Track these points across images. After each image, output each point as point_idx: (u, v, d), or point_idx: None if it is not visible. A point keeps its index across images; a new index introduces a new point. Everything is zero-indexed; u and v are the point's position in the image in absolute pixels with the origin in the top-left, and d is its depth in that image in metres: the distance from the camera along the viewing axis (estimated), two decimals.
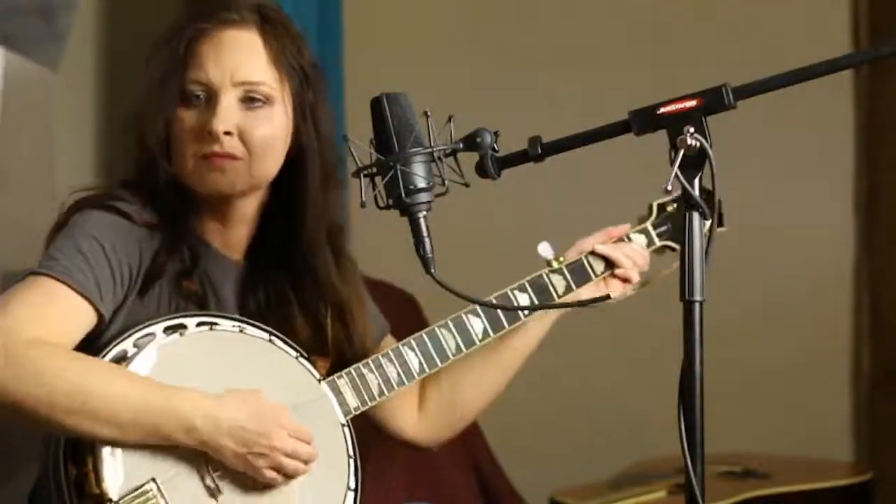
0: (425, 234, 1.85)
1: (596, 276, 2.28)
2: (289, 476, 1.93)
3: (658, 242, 2.34)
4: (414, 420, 2.26)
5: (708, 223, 1.71)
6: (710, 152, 1.68)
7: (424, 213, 1.85)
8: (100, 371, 1.86)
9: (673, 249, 2.36)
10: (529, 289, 2.22)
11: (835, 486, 3.40)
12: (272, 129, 2.03)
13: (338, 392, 2.06)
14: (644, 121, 1.74)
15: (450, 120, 1.86)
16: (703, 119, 1.70)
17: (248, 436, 1.88)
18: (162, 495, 1.87)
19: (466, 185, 1.87)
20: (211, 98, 2.01)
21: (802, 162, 4.08)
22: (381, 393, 2.09)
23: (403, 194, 1.84)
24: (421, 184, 1.84)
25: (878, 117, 4.14)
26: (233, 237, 2.10)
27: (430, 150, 1.85)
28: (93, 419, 1.82)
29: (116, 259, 1.94)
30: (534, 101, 3.87)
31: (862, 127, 4.17)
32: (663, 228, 2.35)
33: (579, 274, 2.27)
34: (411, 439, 2.28)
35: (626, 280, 2.29)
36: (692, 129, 1.68)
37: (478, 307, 2.18)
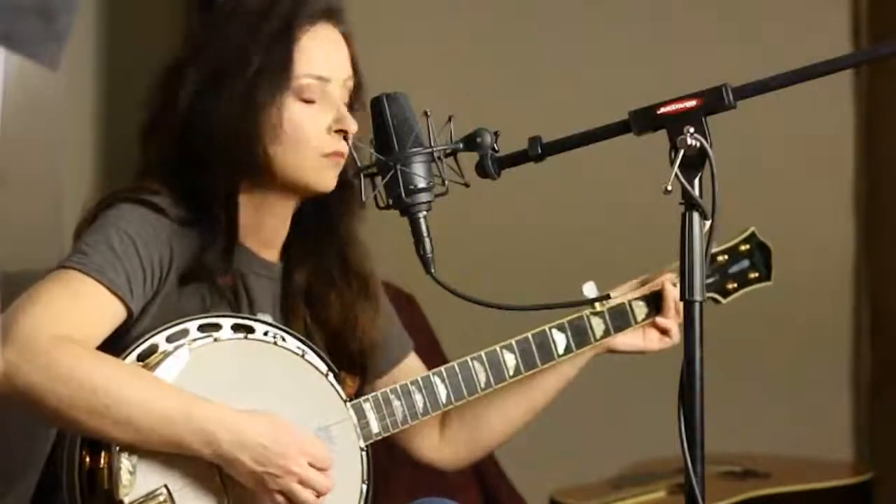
0: (425, 234, 1.86)
1: (636, 322, 2.24)
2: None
3: (703, 294, 2.32)
4: (434, 443, 2.24)
5: (708, 223, 1.71)
6: (710, 152, 1.69)
7: (424, 213, 1.86)
8: (125, 375, 1.84)
9: (716, 301, 2.33)
10: (568, 329, 2.19)
11: (835, 486, 3.40)
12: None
13: (362, 415, 2.03)
14: (644, 121, 1.74)
15: (450, 120, 1.87)
16: (703, 119, 1.70)
17: (267, 455, 1.86)
18: (172, 503, 1.86)
19: (466, 185, 1.87)
20: (325, 95, 2.01)
21: (802, 162, 4.08)
22: (405, 421, 2.07)
23: (403, 194, 1.84)
24: (421, 184, 1.84)
25: (878, 117, 4.14)
26: (276, 235, 2.07)
27: (430, 150, 1.86)
28: (113, 423, 1.81)
29: (147, 254, 1.93)
30: (534, 101, 3.87)
31: (862, 127, 4.16)
32: (711, 280, 2.32)
33: (620, 319, 2.23)
34: (429, 461, 2.26)
35: (664, 332, 2.25)
36: (692, 129, 1.69)
37: (513, 342, 2.16)
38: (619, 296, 2.25)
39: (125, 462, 1.84)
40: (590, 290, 2.18)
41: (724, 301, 2.35)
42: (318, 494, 1.90)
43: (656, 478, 3.35)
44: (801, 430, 3.99)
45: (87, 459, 1.86)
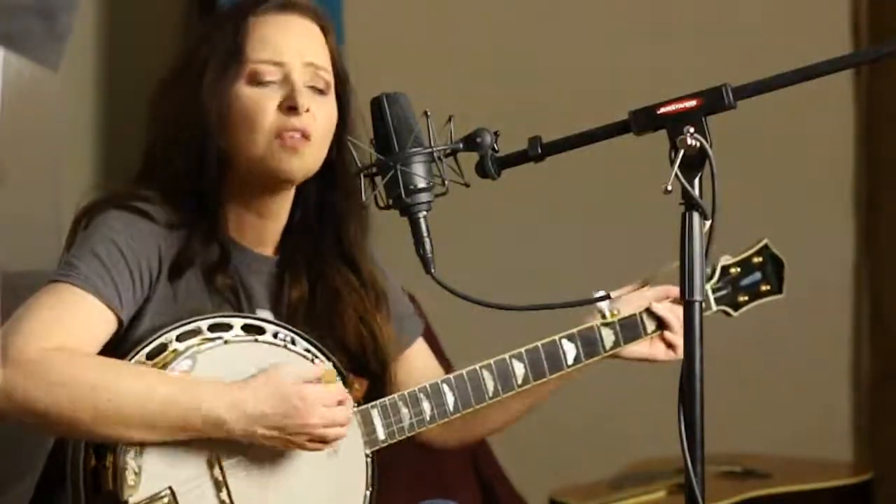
0: (425, 234, 1.86)
1: (646, 334, 2.23)
2: (331, 442, 1.91)
3: (714, 308, 2.31)
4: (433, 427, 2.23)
5: (708, 223, 1.71)
6: (710, 152, 1.69)
7: (424, 213, 1.86)
8: (119, 368, 1.85)
9: (727, 314, 2.33)
10: (578, 339, 2.18)
11: (835, 486, 3.40)
12: (330, 117, 2.02)
13: (369, 422, 2.02)
14: (644, 121, 1.74)
15: (450, 120, 1.87)
16: (703, 119, 1.70)
17: (278, 420, 1.86)
18: None
19: (466, 185, 1.88)
20: (284, 78, 1.99)
21: (802, 162, 4.08)
22: (412, 428, 2.05)
23: (403, 194, 1.85)
24: (421, 184, 1.84)
25: (878, 117, 4.14)
26: (266, 231, 2.06)
27: (430, 150, 1.86)
28: (118, 417, 1.81)
29: (136, 261, 1.92)
30: (534, 101, 3.87)
31: (862, 127, 4.16)
32: (723, 293, 2.31)
33: (630, 330, 2.22)
34: (424, 442, 2.24)
35: (670, 346, 2.24)
36: (692, 129, 1.69)
37: (523, 351, 2.14)
38: (619, 296, 2.24)
39: (131, 462, 1.83)
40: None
41: (734, 314, 2.34)
42: (342, 425, 1.91)
43: (656, 478, 3.35)
44: (801, 429, 3.99)
45: (93, 458, 1.86)
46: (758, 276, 2.36)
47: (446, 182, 1.87)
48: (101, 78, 3.75)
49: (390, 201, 1.86)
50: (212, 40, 2.02)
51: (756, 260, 2.36)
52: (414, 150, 1.85)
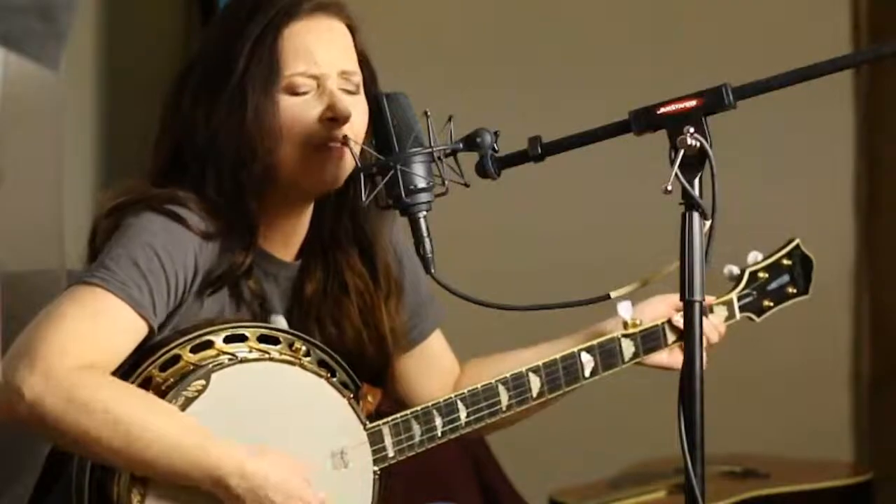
0: (425, 234, 1.86)
1: (667, 345, 2.20)
2: None
3: (738, 316, 2.27)
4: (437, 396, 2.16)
5: (708, 223, 1.71)
6: (710, 152, 1.69)
7: (424, 213, 1.86)
8: (147, 409, 1.83)
9: (751, 319, 2.29)
10: (597, 351, 2.16)
11: (835, 486, 3.40)
12: (364, 115, 1.99)
13: (379, 440, 1.99)
14: (644, 121, 1.75)
15: (450, 120, 1.87)
16: (703, 119, 1.70)
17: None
18: None
19: (466, 185, 1.88)
20: (319, 87, 1.97)
21: (802, 162, 4.08)
22: (422, 444, 2.02)
23: (403, 194, 1.85)
24: (421, 184, 1.85)
25: (878, 117, 4.14)
26: (293, 236, 2.04)
27: (430, 150, 1.86)
28: (130, 455, 1.80)
29: (173, 270, 1.89)
30: (534, 101, 3.87)
31: (862, 127, 4.17)
32: (748, 300, 2.27)
33: (651, 341, 2.19)
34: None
35: None
36: (692, 129, 1.69)
37: (541, 365, 2.11)
38: (618, 297, 2.24)
39: (136, 482, 1.84)
40: (625, 310, 2.15)
41: (758, 320, 2.30)
42: None
43: (656, 478, 3.35)
44: (801, 429, 3.99)
45: (100, 470, 1.86)
46: (786, 278, 2.31)
47: (446, 182, 1.87)
48: (101, 78, 3.75)
49: (390, 201, 1.87)
50: (248, 50, 1.96)
51: (785, 262, 2.31)
52: (414, 150, 1.85)
